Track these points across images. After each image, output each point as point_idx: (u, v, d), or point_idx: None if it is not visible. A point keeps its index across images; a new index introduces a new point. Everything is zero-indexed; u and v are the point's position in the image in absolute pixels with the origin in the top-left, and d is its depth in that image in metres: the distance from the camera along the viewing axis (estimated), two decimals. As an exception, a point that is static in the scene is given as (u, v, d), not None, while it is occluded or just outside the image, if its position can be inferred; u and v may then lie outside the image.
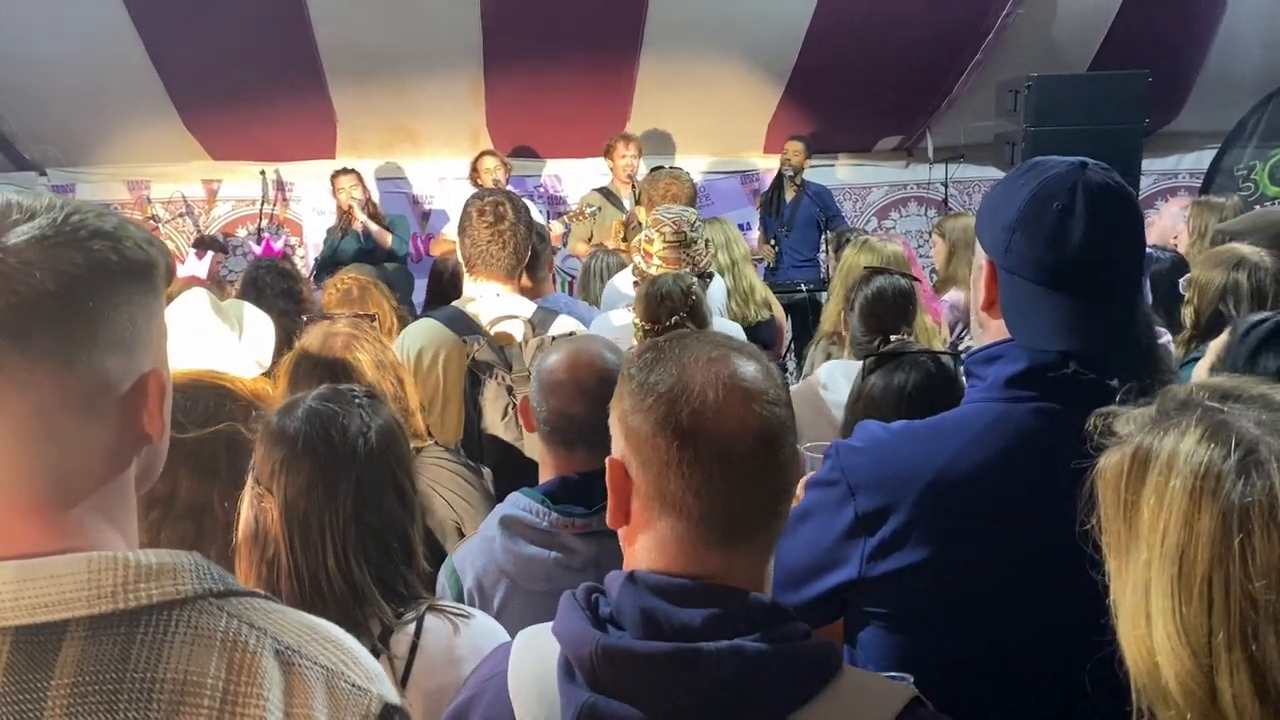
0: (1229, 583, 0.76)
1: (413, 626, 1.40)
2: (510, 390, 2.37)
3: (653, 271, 3.07)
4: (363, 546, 1.41)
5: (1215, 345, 1.86)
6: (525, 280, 3.32)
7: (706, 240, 3.23)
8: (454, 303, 2.78)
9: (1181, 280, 2.87)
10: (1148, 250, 3.62)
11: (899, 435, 1.25)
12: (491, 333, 2.61)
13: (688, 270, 3.07)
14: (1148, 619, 0.80)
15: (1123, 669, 0.83)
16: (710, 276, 3.28)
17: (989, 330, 1.27)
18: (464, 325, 2.60)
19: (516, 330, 2.60)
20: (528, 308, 2.72)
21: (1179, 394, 0.86)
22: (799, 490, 1.25)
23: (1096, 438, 0.87)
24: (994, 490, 1.18)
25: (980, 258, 1.27)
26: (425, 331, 2.63)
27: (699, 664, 0.87)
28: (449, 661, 1.38)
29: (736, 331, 3.30)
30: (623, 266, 4.13)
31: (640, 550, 0.98)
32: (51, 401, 0.74)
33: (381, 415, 1.50)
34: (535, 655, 0.98)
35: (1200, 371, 1.78)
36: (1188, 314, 2.76)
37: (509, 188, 5.88)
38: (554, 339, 2.31)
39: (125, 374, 0.78)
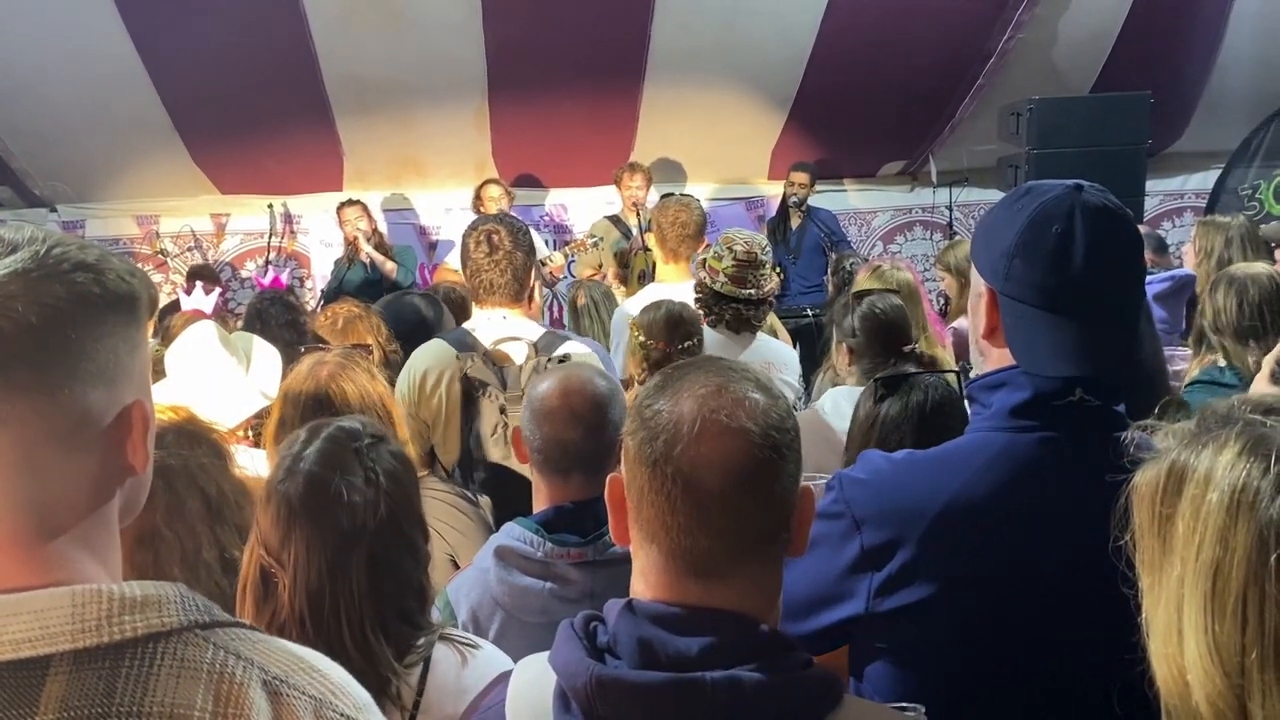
0: (1264, 601, 0.74)
1: (420, 667, 1.39)
2: (503, 410, 2.35)
3: (718, 288, 3.06)
4: (379, 617, 1.38)
5: (1269, 358, 1.84)
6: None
7: (773, 267, 3.23)
8: (463, 325, 2.79)
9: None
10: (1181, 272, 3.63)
11: (903, 466, 1.23)
12: (491, 352, 2.60)
13: (752, 292, 3.06)
14: (1180, 637, 0.78)
15: (1153, 689, 0.81)
16: (772, 304, 3.26)
17: (990, 358, 1.26)
18: (469, 347, 2.60)
19: (518, 351, 2.60)
20: (534, 330, 2.72)
21: (1220, 408, 0.84)
22: None
23: (1130, 454, 0.86)
24: (1002, 523, 1.16)
25: (979, 285, 1.26)
26: (431, 353, 2.63)
27: (695, 695, 0.86)
28: (457, 691, 1.37)
29: (780, 350, 3.27)
30: (609, 296, 4.12)
31: (635, 573, 0.98)
32: (34, 434, 0.74)
33: (387, 464, 1.46)
34: (533, 685, 0.97)
35: (1259, 383, 1.75)
36: (1192, 337, 2.77)
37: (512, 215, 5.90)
38: (549, 361, 2.30)
39: (108, 406, 0.78)
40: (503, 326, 2.67)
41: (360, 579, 1.37)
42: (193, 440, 1.57)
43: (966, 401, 1.34)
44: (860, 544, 1.17)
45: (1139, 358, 1.22)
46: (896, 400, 1.89)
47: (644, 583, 0.95)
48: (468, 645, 1.43)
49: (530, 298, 3.34)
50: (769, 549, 0.95)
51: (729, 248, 3.09)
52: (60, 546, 0.76)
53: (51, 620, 0.73)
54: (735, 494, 0.91)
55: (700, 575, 0.92)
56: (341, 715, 0.79)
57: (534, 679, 0.97)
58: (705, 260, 3.20)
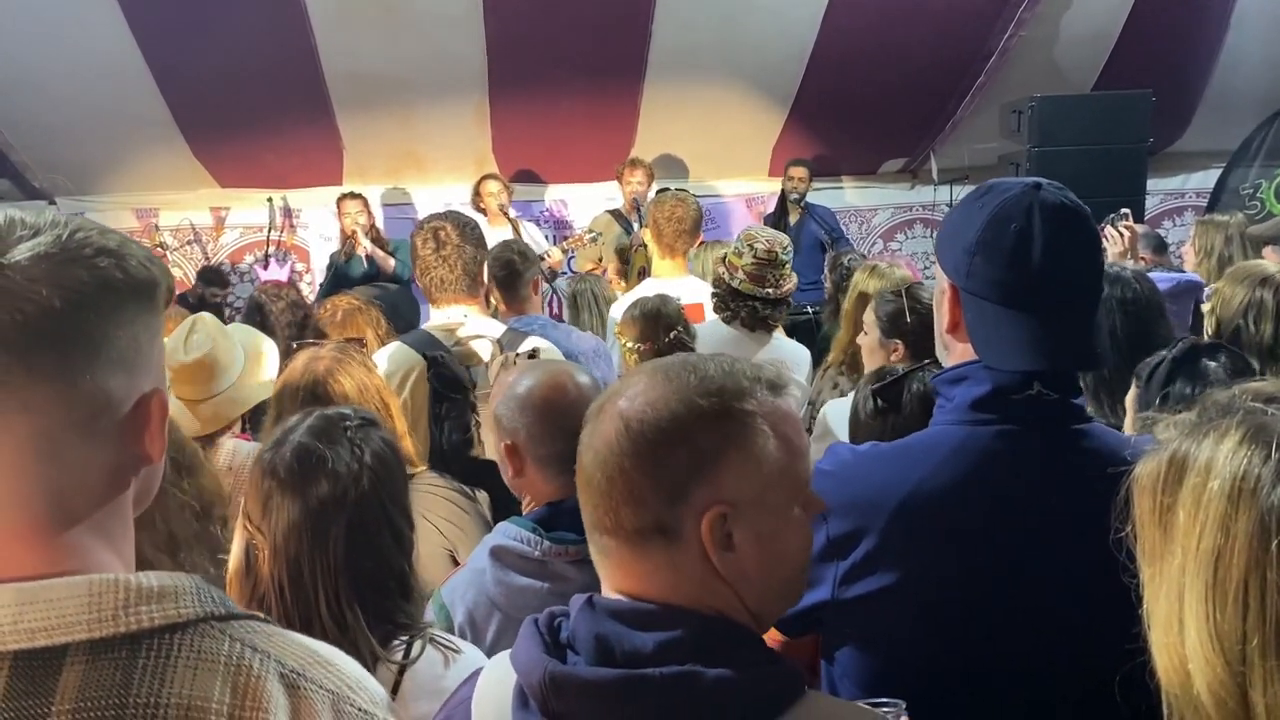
0: (1265, 588, 0.73)
1: (402, 652, 1.41)
2: (473, 407, 2.34)
3: (736, 285, 3.04)
4: (355, 591, 1.39)
5: (1129, 399, 1.89)
6: (499, 299, 3.32)
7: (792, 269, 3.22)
8: (423, 326, 2.77)
9: (1206, 290, 2.86)
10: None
11: (867, 458, 1.26)
12: (456, 351, 2.59)
13: (770, 291, 3.04)
14: (1181, 626, 0.78)
15: (1154, 679, 0.81)
16: (787, 304, 3.24)
17: (953, 352, 1.29)
18: (431, 347, 2.58)
19: (483, 349, 2.59)
20: (496, 328, 2.71)
21: (1221, 398, 0.84)
22: None
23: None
24: (960, 513, 1.19)
25: (942, 281, 1.29)
26: (392, 355, 2.62)
27: (646, 691, 0.86)
28: (435, 691, 1.37)
29: (795, 351, 3.26)
30: (605, 292, 4.12)
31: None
32: (54, 421, 0.73)
33: (374, 445, 1.48)
34: (500, 682, 0.97)
35: (1126, 429, 1.80)
36: (1210, 324, 2.74)
37: (512, 210, 5.90)
38: (518, 356, 2.30)
39: (128, 394, 0.77)
40: (463, 326, 2.65)
41: (338, 549, 1.39)
42: None
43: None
44: (826, 533, 1.20)
45: (1097, 350, 1.23)
46: (898, 414, 1.90)
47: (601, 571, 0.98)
48: (450, 649, 1.44)
49: (522, 294, 3.35)
50: (653, 540, 0.91)
51: (750, 245, 3.07)
52: (77, 535, 0.75)
53: (69, 609, 0.72)
54: (603, 481, 0.92)
55: (605, 561, 0.95)
56: (359, 710, 0.79)
57: (501, 676, 0.97)
58: (725, 256, 3.19)
